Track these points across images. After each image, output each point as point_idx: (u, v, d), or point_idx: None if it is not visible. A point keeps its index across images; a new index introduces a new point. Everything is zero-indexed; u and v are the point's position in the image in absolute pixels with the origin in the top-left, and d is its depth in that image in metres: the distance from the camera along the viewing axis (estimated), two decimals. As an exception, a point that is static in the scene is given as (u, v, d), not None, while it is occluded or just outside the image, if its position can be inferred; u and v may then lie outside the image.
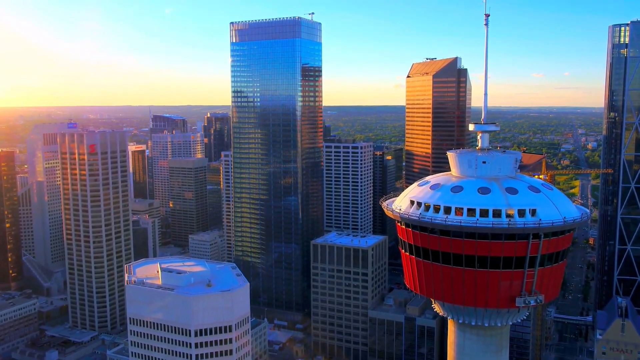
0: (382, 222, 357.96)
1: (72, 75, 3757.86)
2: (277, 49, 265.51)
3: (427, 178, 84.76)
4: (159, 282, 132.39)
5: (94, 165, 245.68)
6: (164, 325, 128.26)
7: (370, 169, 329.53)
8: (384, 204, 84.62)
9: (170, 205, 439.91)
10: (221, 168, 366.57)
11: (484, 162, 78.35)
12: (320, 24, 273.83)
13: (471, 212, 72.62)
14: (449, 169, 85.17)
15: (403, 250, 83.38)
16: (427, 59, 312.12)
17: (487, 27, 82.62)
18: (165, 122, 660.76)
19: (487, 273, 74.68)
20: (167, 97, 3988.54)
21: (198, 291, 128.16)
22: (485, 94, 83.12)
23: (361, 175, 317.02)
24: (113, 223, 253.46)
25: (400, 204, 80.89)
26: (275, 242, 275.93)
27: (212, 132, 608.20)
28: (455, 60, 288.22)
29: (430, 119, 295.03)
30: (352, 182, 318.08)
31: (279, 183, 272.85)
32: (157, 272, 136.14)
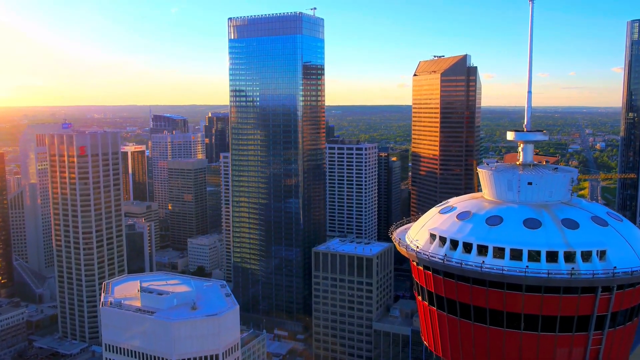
0: (387, 227, 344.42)
1: (77, 75, 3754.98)
2: (278, 46, 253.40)
3: (452, 202, 66.47)
4: (139, 303, 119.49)
5: (84, 168, 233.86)
6: (143, 353, 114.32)
7: (375, 171, 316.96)
8: (395, 235, 67.23)
9: (169, 207, 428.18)
10: (221, 169, 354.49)
11: (530, 184, 59.96)
12: (322, 19, 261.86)
13: (516, 253, 54.15)
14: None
15: (420, 298, 65.72)
16: (434, 56, 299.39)
17: (533, 2, 66.06)
18: (166, 122, 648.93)
19: (537, 337, 55.99)
20: (172, 97, 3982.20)
21: (181, 315, 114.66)
22: (529, 91, 65.46)
23: (365, 177, 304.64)
24: (104, 228, 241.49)
25: (417, 236, 62.82)
26: (275, 248, 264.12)
27: (214, 132, 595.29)
28: (465, 58, 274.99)
29: (438, 119, 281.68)
30: (356, 184, 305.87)
31: (280, 186, 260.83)
32: (138, 291, 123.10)
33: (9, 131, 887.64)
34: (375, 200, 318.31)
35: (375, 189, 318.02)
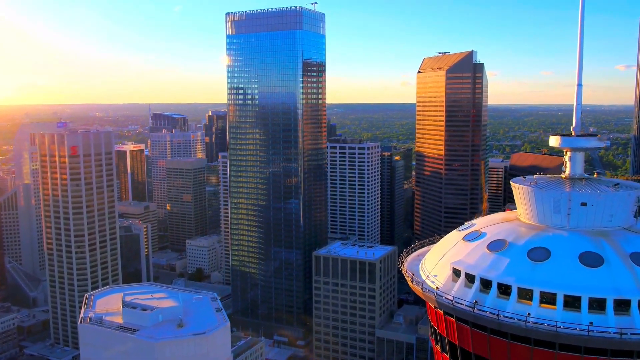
0: (390, 229, 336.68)
1: (80, 74, 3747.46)
2: (277, 42, 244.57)
3: (478, 224, 53.23)
4: (121, 319, 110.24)
5: (76, 169, 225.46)
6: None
7: (377, 171, 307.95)
8: (406, 267, 54.14)
9: (168, 208, 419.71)
10: (219, 169, 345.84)
11: (584, 204, 46.93)
12: (323, 14, 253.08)
13: (572, 301, 40.69)
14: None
15: (438, 348, 52.96)
16: (439, 53, 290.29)
17: None
18: (166, 120, 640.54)
19: None
20: (174, 95, 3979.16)
21: (166, 334, 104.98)
22: (579, 84, 52.68)
23: (368, 177, 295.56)
24: (97, 231, 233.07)
25: (435, 270, 49.73)
26: (275, 250, 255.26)
27: (214, 130, 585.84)
28: (471, 54, 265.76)
29: (443, 118, 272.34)
30: (359, 185, 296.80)
31: (279, 186, 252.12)
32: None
33: (10, 130, 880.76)
34: (378, 201, 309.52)
35: (378, 190, 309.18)
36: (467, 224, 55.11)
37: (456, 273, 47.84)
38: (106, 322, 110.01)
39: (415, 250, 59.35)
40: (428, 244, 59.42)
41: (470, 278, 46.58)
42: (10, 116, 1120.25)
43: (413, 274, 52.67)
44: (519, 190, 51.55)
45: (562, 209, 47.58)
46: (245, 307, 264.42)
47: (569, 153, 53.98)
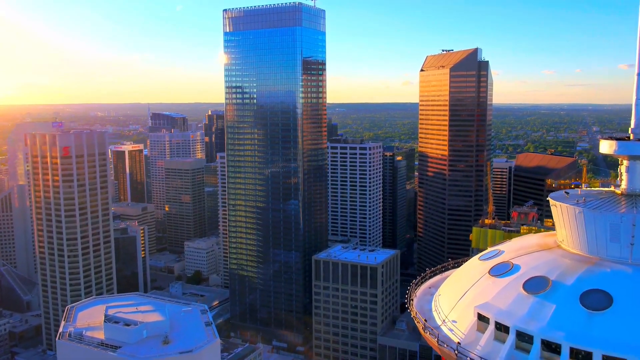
0: (392, 231, 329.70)
1: (81, 74, 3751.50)
2: (276, 39, 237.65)
3: (508, 252, 41.15)
4: (102, 335, 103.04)
5: (68, 170, 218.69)
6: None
7: (379, 172, 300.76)
8: (415, 306, 42.48)
9: (167, 209, 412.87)
10: (218, 170, 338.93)
11: None
12: (324, 11, 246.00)
13: None
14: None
15: None
16: (443, 50, 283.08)
17: None
18: (165, 120, 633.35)
19: None
20: (176, 95, 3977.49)
21: (149, 351, 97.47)
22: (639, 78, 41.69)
23: (370, 178, 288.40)
24: (91, 234, 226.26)
25: (454, 314, 37.80)
26: (274, 252, 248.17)
27: (214, 130, 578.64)
28: (475, 52, 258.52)
29: (446, 117, 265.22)
30: (360, 186, 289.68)
31: (279, 187, 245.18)
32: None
33: (10, 129, 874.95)
34: (379, 203, 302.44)
35: (379, 191, 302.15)
36: (491, 249, 43.56)
37: (482, 320, 35.72)
38: (86, 338, 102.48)
39: (426, 279, 47.96)
40: (441, 271, 48.38)
41: (501, 328, 34.59)
42: (12, 116, 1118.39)
43: (425, 320, 40.35)
44: (562, 210, 39.27)
45: (623, 237, 35.52)
46: (244, 312, 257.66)
47: (625, 162, 42.08)
